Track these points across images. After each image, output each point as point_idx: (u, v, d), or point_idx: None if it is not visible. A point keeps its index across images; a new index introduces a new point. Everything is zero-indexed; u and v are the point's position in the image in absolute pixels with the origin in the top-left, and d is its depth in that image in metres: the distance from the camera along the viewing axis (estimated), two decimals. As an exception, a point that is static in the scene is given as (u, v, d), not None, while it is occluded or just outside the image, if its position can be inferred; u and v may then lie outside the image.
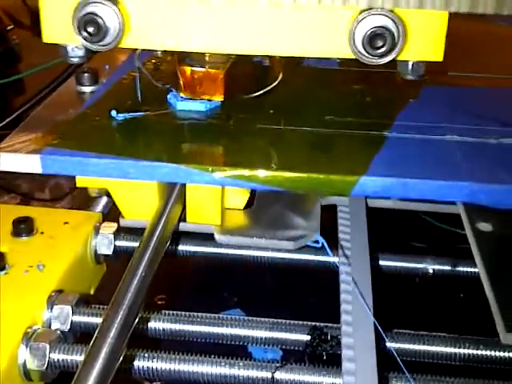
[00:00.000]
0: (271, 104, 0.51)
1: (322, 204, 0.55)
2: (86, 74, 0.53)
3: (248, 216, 0.53)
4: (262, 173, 0.42)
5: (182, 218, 0.52)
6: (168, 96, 0.50)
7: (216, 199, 0.50)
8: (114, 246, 0.53)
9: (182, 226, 0.52)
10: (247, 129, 0.47)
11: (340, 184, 0.42)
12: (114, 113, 0.48)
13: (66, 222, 0.53)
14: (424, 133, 0.46)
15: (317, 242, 0.49)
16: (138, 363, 0.42)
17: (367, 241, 0.50)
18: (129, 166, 0.43)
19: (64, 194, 0.72)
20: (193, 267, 0.65)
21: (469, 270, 0.52)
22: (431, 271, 0.52)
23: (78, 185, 0.51)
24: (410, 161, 0.43)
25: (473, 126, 0.48)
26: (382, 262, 0.53)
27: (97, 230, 0.53)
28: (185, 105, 0.49)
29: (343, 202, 0.54)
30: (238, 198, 0.53)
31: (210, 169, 0.42)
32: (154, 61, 0.57)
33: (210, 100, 0.49)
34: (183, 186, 0.49)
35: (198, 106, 0.49)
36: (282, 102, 0.51)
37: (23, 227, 0.51)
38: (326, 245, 0.48)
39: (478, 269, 0.44)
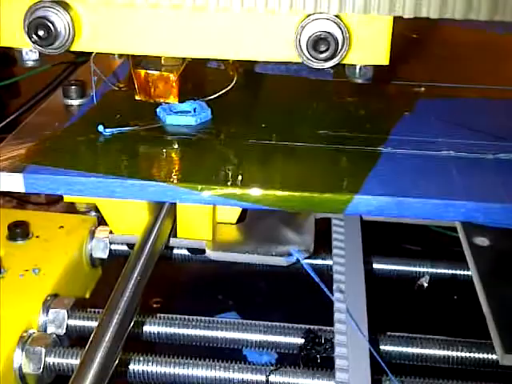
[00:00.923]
0: (263, 118, 0.49)
1: (315, 217, 0.54)
2: (73, 87, 0.52)
3: (240, 231, 0.52)
4: (253, 192, 0.41)
5: (173, 234, 0.51)
6: (157, 110, 0.49)
7: (207, 214, 0.50)
8: (110, 249, 0.53)
9: (173, 242, 0.51)
10: (238, 144, 0.46)
11: (333, 203, 0.41)
12: (101, 128, 0.46)
13: (62, 226, 0.53)
14: (419, 148, 0.45)
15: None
16: (133, 367, 0.42)
17: (361, 247, 0.49)
18: (115, 185, 0.41)
19: (59, 197, 0.72)
20: (188, 270, 0.65)
21: (463, 273, 0.52)
22: (426, 275, 0.52)
23: (65, 200, 0.50)
24: (405, 178, 0.42)
25: (469, 141, 0.46)
26: (376, 266, 0.53)
27: (92, 234, 0.53)
28: (174, 119, 0.48)
29: (338, 215, 0.53)
30: (230, 212, 0.52)
31: (200, 188, 0.41)
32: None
33: (166, 102, 0.48)
34: None
35: (187, 120, 0.48)
36: (274, 116, 0.50)
37: (19, 231, 0.51)
38: (305, 264, 0.48)
39: (475, 284, 0.44)
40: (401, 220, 0.55)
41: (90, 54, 0.57)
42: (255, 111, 0.51)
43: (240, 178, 0.42)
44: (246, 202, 0.41)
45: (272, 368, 0.42)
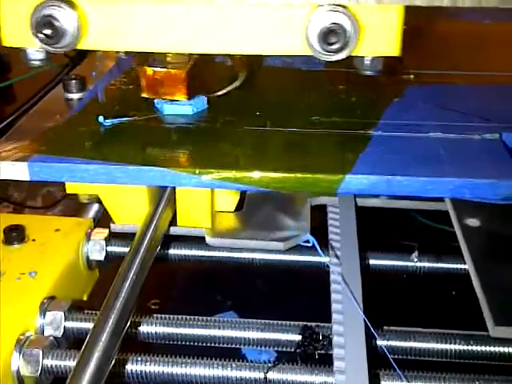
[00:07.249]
0: (258, 106, 0.51)
1: (311, 204, 0.55)
2: (73, 81, 0.53)
3: (238, 218, 0.53)
4: (248, 174, 0.42)
5: (173, 222, 0.52)
6: (155, 100, 0.50)
7: (206, 202, 0.51)
8: (106, 251, 0.53)
9: (173, 230, 0.52)
10: (234, 131, 0.47)
11: (326, 183, 0.42)
12: (101, 118, 0.48)
13: (58, 229, 0.53)
14: (408, 131, 0.47)
15: (307, 241, 0.50)
16: (130, 367, 0.42)
17: (357, 240, 0.50)
18: (117, 170, 0.43)
19: (56, 201, 0.72)
20: (186, 271, 0.65)
21: (457, 266, 0.52)
22: (420, 268, 0.52)
23: (67, 191, 0.50)
24: (395, 158, 0.43)
25: (456, 123, 0.48)
26: (371, 261, 0.53)
27: (88, 236, 0.53)
28: (172, 109, 0.49)
29: (333, 201, 0.55)
30: (228, 200, 0.53)
31: (197, 171, 0.42)
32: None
33: (173, 100, 0.48)
34: (173, 190, 0.50)
35: (184, 109, 0.49)
36: (268, 104, 0.51)
37: (15, 235, 0.51)
38: (316, 244, 0.48)
39: (467, 263, 0.45)
40: (394, 204, 0.57)
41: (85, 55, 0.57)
42: (250, 100, 0.52)
43: (236, 162, 0.43)
44: (242, 184, 0.43)
45: (270, 365, 0.42)
